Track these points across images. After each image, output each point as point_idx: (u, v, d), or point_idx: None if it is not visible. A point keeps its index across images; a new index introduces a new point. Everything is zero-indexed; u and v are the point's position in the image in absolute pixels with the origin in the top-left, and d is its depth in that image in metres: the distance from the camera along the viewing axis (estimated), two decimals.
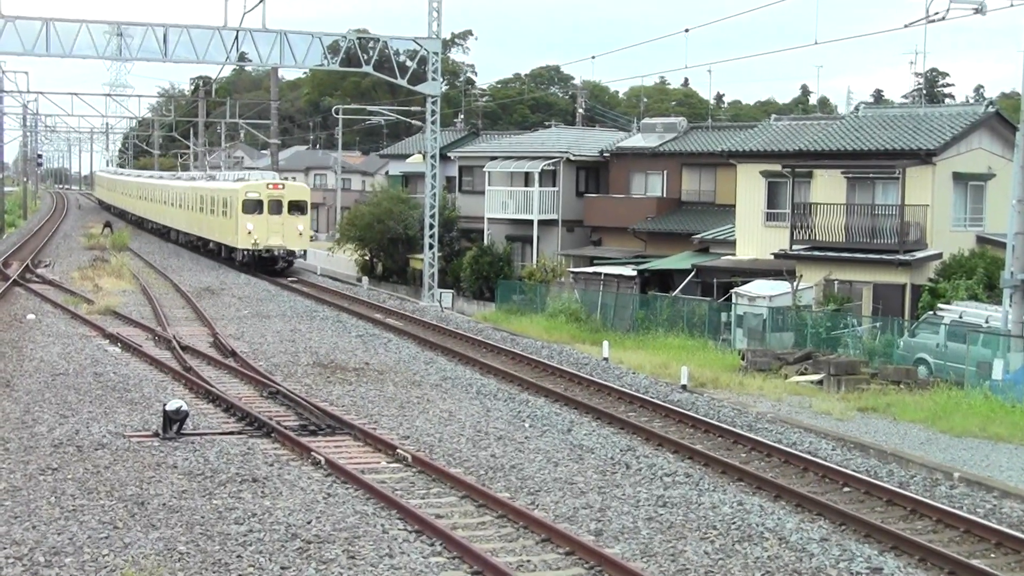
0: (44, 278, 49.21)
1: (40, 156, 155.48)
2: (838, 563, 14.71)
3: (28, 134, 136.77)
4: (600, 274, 47.05)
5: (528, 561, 14.62)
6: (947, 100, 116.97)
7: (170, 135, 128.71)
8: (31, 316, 36.92)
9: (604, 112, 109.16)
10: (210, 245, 60.77)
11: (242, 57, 52.25)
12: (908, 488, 18.60)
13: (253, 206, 53.21)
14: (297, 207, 53.98)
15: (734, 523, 16.34)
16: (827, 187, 42.47)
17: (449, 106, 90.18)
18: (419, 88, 49.78)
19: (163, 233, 76.43)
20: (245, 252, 53.41)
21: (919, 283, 39.10)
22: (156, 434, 21.08)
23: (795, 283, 39.01)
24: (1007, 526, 16.57)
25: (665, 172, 56.17)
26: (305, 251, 55.21)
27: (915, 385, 28.35)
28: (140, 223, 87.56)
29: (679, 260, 47.57)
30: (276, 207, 53.45)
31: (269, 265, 53.35)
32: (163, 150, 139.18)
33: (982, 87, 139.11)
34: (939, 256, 40.22)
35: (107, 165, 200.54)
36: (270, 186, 54.24)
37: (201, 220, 62.63)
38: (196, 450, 20.08)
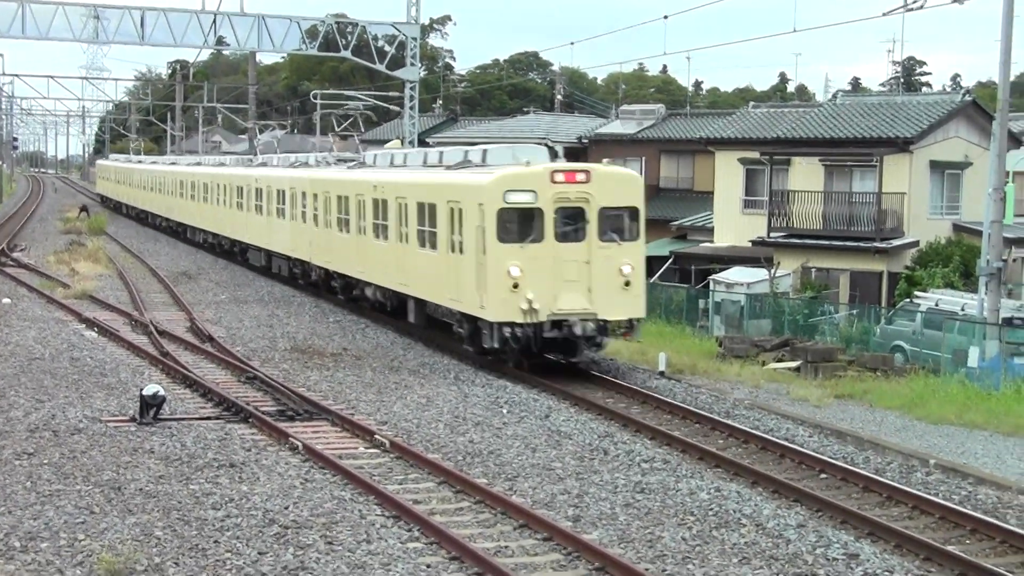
0: (19, 262, 48.95)
1: (16, 139, 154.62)
2: (815, 549, 14.77)
3: (3, 117, 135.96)
4: None
5: (506, 547, 14.63)
6: (924, 89, 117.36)
7: (147, 119, 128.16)
8: (6, 300, 36.74)
9: (582, 98, 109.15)
10: (369, 292, 33.54)
11: (220, 41, 52.18)
12: (884, 475, 18.67)
13: (521, 223, 25.64)
14: (615, 221, 26.11)
15: (711, 509, 16.39)
16: (805, 175, 42.58)
17: (427, 91, 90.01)
18: (397, 73, 49.70)
19: (228, 251, 51.90)
20: (505, 328, 25.30)
21: (896, 271, 39.27)
22: (133, 419, 21.03)
23: (773, 270, 39.11)
24: (982, 512, 16.65)
25: (643, 159, 56.20)
26: (634, 322, 26.26)
27: (892, 372, 28.44)
28: (177, 231, 64.53)
29: (657, 247, 47.61)
30: (573, 226, 25.83)
31: (559, 352, 26.50)
32: (140, 134, 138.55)
33: (959, 76, 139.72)
34: (916, 244, 40.38)
35: (84, 148, 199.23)
36: (557, 176, 25.68)
37: (353, 248, 34.31)
38: (173, 435, 20.03)
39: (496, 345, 25.59)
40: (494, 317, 25.33)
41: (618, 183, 26.35)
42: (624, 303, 25.72)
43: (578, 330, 25.12)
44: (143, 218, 76.26)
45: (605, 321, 25.46)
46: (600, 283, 25.53)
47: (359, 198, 33.75)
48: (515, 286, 25.06)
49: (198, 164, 63.84)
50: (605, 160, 26.41)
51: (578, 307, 25.24)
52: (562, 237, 25.48)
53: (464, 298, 26.63)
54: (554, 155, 28.57)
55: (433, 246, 28.35)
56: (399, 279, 30.83)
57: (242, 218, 48.13)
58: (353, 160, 40.03)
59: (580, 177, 25.72)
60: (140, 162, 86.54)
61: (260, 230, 45.19)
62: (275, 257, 43.60)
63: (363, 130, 45.81)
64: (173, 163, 72.16)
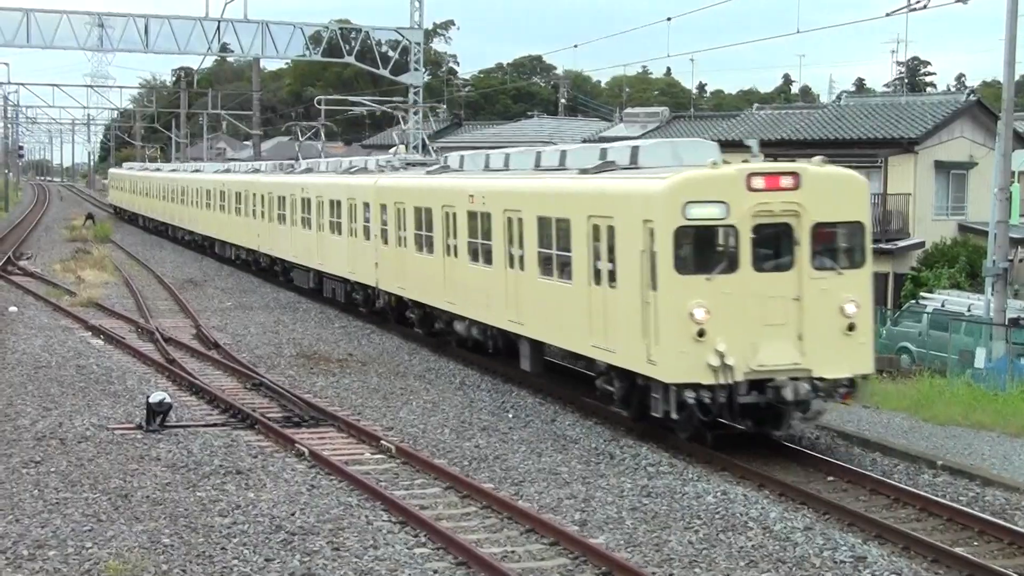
0: (26, 270, 49.04)
1: (21, 148, 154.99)
2: (822, 552, 14.75)
3: (9, 126, 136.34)
4: None
5: (513, 552, 14.63)
6: (929, 89, 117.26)
7: (152, 126, 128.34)
8: (13, 308, 36.78)
9: (586, 102, 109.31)
10: (461, 327, 27.56)
11: (224, 48, 52.24)
12: (891, 477, 18.64)
13: (708, 246, 19.57)
14: (833, 241, 19.79)
15: (718, 512, 16.37)
16: None
17: (431, 96, 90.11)
18: (401, 78, 49.77)
19: (267, 270, 45.71)
20: (686, 392, 18.82)
21: (902, 272, 39.26)
22: (139, 426, 21.05)
23: None
24: (990, 514, 16.62)
25: None
26: (856, 381, 19.64)
27: (898, 374, 28.42)
28: (203, 246, 58.34)
29: None
30: (777, 250, 19.50)
31: (756, 421, 19.61)
32: (144, 141, 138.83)
33: (963, 76, 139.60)
34: (922, 245, 40.38)
35: (90, 156, 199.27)
36: (756, 180, 19.13)
37: (440, 272, 28.01)
38: (180, 442, 20.04)
39: (673, 414, 18.96)
40: (671, 376, 18.83)
41: (837, 188, 19.62)
42: (847, 354, 19.18)
43: (788, 393, 18.72)
44: (163, 231, 70.63)
45: (821, 379, 18.99)
46: (814, 327, 19.02)
47: (448, 211, 27.30)
48: (700, 333, 18.59)
49: (227, 171, 57.19)
50: (816, 158, 20.17)
51: (786, 361, 18.87)
52: (763, 265, 19.07)
53: (618, 347, 20.21)
54: (738, 152, 21.55)
55: (564, 275, 22.01)
56: (508, 315, 24.50)
57: (284, 233, 41.72)
58: (428, 164, 33.91)
59: (786, 181, 19.11)
60: (158, 170, 79.85)
61: (308, 247, 38.82)
62: (328, 279, 37.42)
63: (435, 127, 40.94)
64: (197, 170, 65.52)
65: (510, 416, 22.62)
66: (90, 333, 32.38)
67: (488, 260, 25.31)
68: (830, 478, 18.60)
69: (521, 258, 23.82)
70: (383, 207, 31.77)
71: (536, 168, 25.79)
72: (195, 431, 20.92)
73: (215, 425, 21.49)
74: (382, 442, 19.87)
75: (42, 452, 19.25)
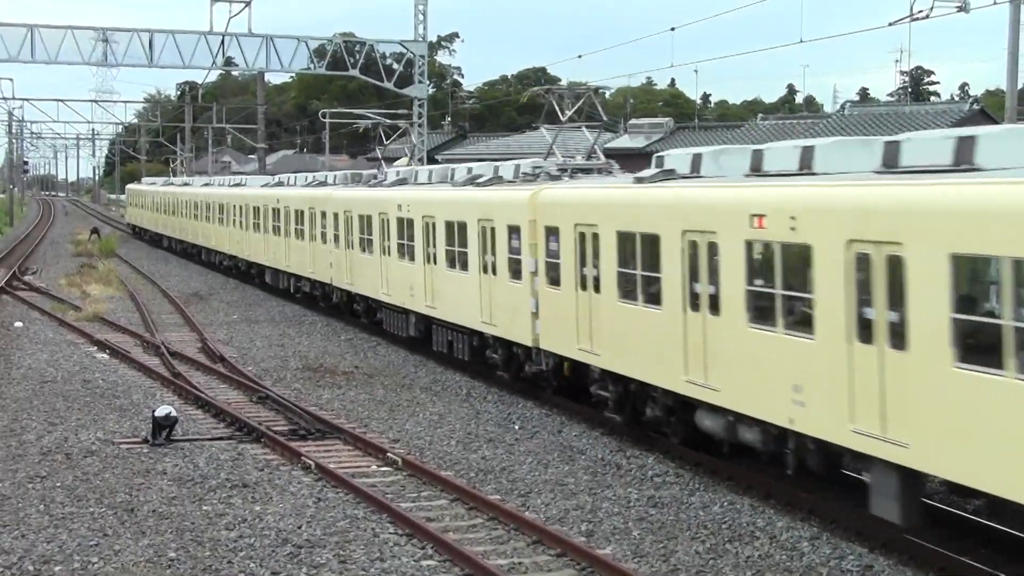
0: (31, 285, 49.10)
1: (26, 163, 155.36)
2: (829, 561, 14.72)
3: (14, 141, 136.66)
4: None
5: (519, 563, 14.60)
6: (932, 98, 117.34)
7: (156, 141, 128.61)
8: (18, 323, 36.82)
9: (591, 114, 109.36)
10: (714, 423, 18.08)
11: (228, 62, 52.38)
12: None
13: None
14: None
15: (725, 522, 16.34)
16: None
17: (436, 108, 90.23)
18: (406, 91, 49.89)
19: (341, 308, 37.29)
20: None
21: None
22: (145, 440, 21.06)
23: None
24: (997, 522, 16.52)
25: None
26: None
27: None
28: (247, 273, 50.32)
29: None
30: None
31: None
32: (149, 156, 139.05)
33: (967, 85, 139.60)
34: None
35: (95, 171, 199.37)
36: None
37: (687, 337, 18.11)
38: (186, 456, 20.05)
39: None
40: None
41: None
42: None
43: None
44: (193, 253, 63.42)
45: None
46: None
47: (695, 239, 17.76)
48: None
49: (279, 184, 47.69)
50: None
51: None
52: None
53: None
54: None
55: None
56: (853, 422, 14.52)
57: (370, 263, 32.93)
58: (596, 168, 26.62)
59: None
60: (186, 184, 70.96)
61: (410, 284, 29.79)
62: (440, 327, 28.54)
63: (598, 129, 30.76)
64: (238, 184, 56.89)
65: (516, 428, 22.60)
66: (96, 347, 32.40)
67: (801, 324, 15.48)
68: (836, 487, 17.65)
69: (896, 325, 13.68)
70: (550, 231, 22.63)
71: (887, 168, 15.05)
72: (201, 445, 20.92)
73: (221, 438, 21.49)
74: (388, 454, 19.87)
75: (48, 467, 19.26)
